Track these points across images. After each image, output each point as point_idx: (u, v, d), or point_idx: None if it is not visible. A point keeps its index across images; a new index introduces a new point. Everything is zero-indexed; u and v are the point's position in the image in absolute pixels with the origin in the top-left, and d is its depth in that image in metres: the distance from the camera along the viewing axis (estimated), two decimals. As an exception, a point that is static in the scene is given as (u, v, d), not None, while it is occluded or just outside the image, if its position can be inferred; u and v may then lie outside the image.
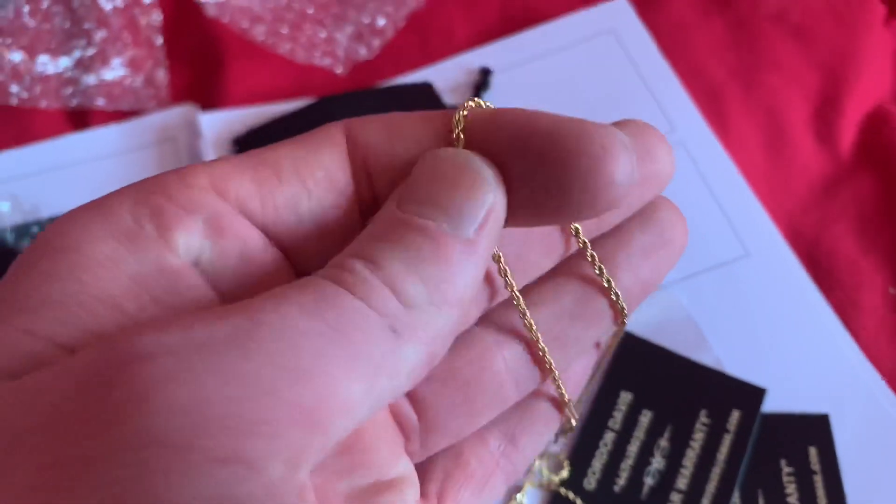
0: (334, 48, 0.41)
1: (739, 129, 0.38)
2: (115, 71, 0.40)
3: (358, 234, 0.14)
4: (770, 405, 0.31)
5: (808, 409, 0.31)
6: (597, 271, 0.17)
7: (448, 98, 0.39)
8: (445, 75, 0.39)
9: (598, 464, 0.29)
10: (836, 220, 0.36)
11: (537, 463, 0.29)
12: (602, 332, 0.18)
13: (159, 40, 0.41)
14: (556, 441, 0.20)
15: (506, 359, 0.17)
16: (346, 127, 0.15)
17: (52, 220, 0.30)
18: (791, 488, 0.29)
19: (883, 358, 0.32)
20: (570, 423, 0.20)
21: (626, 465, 0.29)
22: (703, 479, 0.29)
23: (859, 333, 0.33)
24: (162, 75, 0.40)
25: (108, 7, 0.41)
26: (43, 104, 0.39)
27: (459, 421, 0.17)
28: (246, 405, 0.11)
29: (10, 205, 0.36)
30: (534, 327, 0.17)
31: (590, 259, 0.17)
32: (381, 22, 0.41)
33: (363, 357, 0.12)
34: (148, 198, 0.14)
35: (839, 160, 0.37)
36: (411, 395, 0.17)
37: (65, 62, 0.40)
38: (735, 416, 0.30)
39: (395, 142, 0.15)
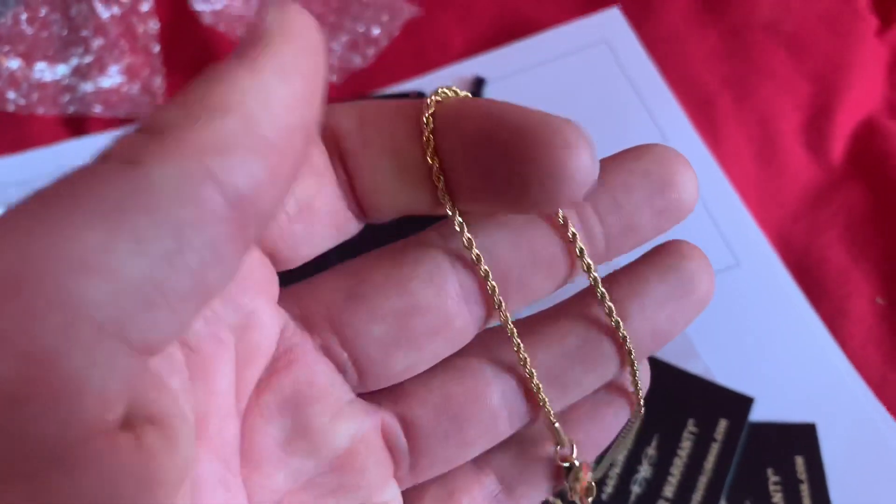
0: (329, 57, 0.41)
1: (730, 138, 0.39)
2: (112, 78, 0.40)
3: (343, 212, 0.15)
4: (757, 414, 0.31)
5: (796, 419, 0.31)
6: (607, 311, 0.17)
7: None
8: (439, 84, 0.39)
9: (586, 471, 0.30)
10: (825, 230, 0.36)
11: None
12: (605, 377, 0.17)
13: (156, 48, 0.41)
14: (554, 494, 0.19)
15: (502, 391, 0.17)
16: None
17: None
18: (778, 497, 0.29)
19: (870, 367, 0.32)
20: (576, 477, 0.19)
21: (614, 472, 0.30)
22: (690, 488, 0.29)
23: (847, 343, 0.33)
24: (159, 83, 0.41)
25: (105, 15, 0.41)
26: (40, 111, 0.40)
27: (450, 450, 0.17)
28: None
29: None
30: (528, 364, 0.17)
31: (600, 298, 0.17)
32: (375, 31, 0.42)
33: (96, 199, 0.11)
34: None
35: (830, 170, 0.38)
36: (403, 421, 0.17)
37: (62, 69, 0.41)
38: (722, 424, 0.30)
39: (367, 128, 0.15)
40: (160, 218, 0.11)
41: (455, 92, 0.15)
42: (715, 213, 0.36)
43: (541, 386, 0.17)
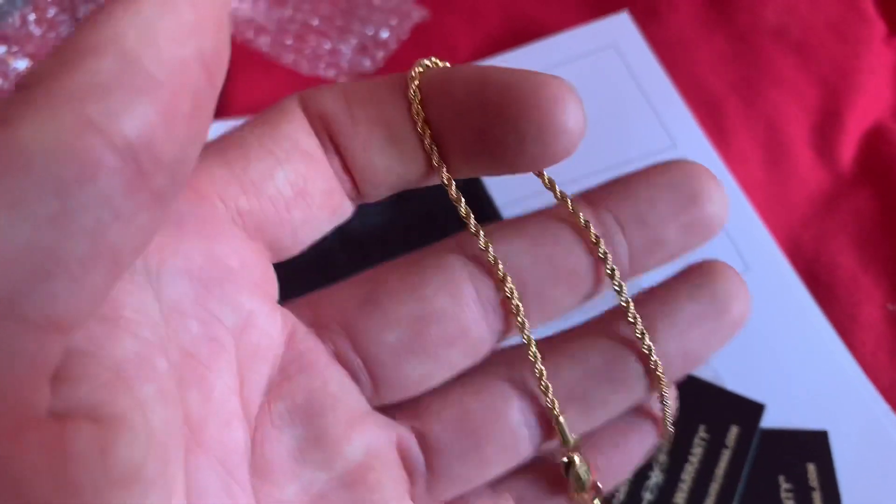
0: (338, 60, 0.41)
1: (739, 143, 0.39)
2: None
3: (338, 194, 0.15)
4: (769, 421, 0.31)
5: (807, 426, 0.31)
6: (637, 334, 0.16)
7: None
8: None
9: (596, 478, 0.30)
10: (835, 236, 0.36)
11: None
12: (633, 399, 0.17)
13: (164, 50, 0.41)
14: None
15: (522, 409, 0.17)
16: (301, 98, 0.15)
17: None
18: (789, 504, 0.29)
19: (881, 374, 0.32)
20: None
21: (625, 479, 0.30)
22: (701, 495, 0.29)
23: (858, 349, 0.33)
24: (166, 85, 0.40)
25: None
26: (47, 112, 0.40)
27: (469, 469, 0.16)
28: None
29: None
30: (544, 376, 0.16)
31: (631, 319, 0.16)
32: (384, 34, 0.42)
33: None
34: None
35: (839, 175, 0.38)
36: (420, 437, 0.16)
37: (69, 71, 0.40)
38: (733, 431, 0.30)
39: (354, 107, 0.15)
40: (38, 178, 0.10)
41: (436, 63, 0.15)
42: (725, 219, 0.36)
43: (555, 402, 0.16)
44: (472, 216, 0.16)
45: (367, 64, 0.41)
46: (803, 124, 0.39)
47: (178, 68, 0.11)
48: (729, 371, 0.32)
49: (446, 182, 0.15)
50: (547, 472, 0.18)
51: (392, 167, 0.15)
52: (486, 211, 0.35)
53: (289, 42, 0.41)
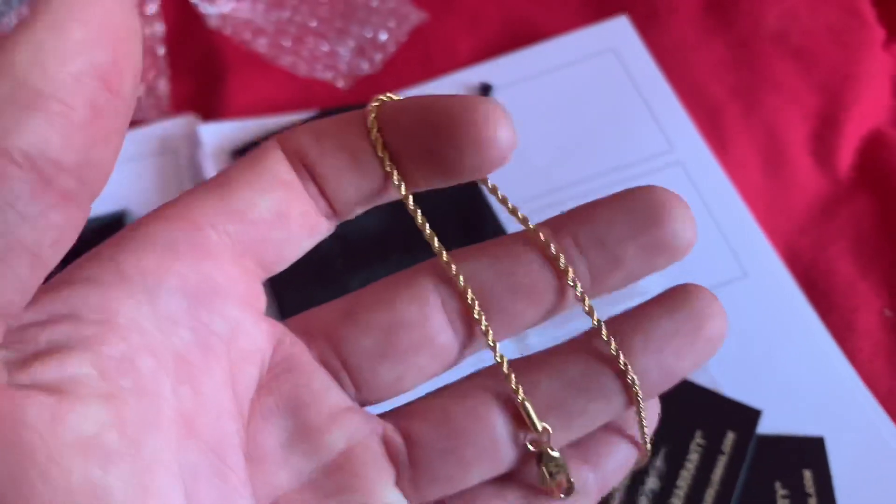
0: (336, 62, 0.41)
1: (738, 148, 0.38)
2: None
3: (314, 215, 0.17)
4: (765, 427, 0.31)
5: (804, 432, 0.31)
6: (611, 348, 0.17)
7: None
8: (446, 90, 0.39)
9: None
10: (833, 242, 0.36)
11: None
12: (611, 410, 0.18)
13: (161, 51, 0.41)
14: None
15: (502, 417, 0.18)
16: (278, 139, 0.17)
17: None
18: (785, 511, 0.29)
19: (878, 381, 0.32)
20: None
21: (621, 484, 0.29)
22: (697, 501, 0.29)
23: (855, 356, 0.33)
24: (163, 85, 0.40)
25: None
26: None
27: (449, 467, 0.18)
28: None
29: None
30: (512, 376, 0.18)
31: (595, 325, 0.17)
32: (383, 37, 0.41)
33: None
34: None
35: (837, 182, 0.38)
36: (404, 433, 0.18)
37: (67, 71, 0.40)
38: (730, 437, 0.30)
39: (323, 140, 0.17)
40: None
41: (391, 97, 0.18)
42: (723, 224, 0.36)
43: (529, 406, 0.17)
44: (436, 238, 0.18)
45: (364, 66, 0.41)
46: (802, 130, 0.39)
47: (69, 82, 0.13)
48: (726, 377, 0.32)
49: (404, 197, 0.17)
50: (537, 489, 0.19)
51: (359, 187, 0.17)
52: (485, 218, 0.35)
53: (287, 44, 0.41)
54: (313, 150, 0.17)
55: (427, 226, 0.18)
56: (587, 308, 0.18)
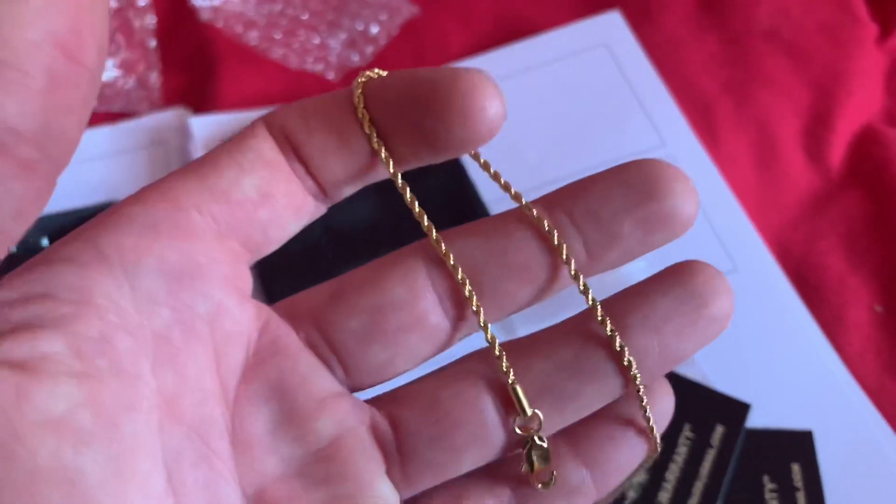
0: (327, 55, 0.41)
1: (730, 144, 0.38)
2: (107, 72, 0.40)
3: (300, 195, 0.17)
4: (754, 421, 0.31)
5: (792, 426, 0.31)
6: (605, 327, 0.17)
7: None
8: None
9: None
10: (824, 237, 0.36)
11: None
12: (606, 393, 0.17)
13: (153, 43, 0.41)
14: None
15: (493, 401, 0.17)
16: (264, 119, 0.17)
17: (41, 220, 0.30)
18: (773, 504, 0.29)
19: (867, 375, 0.32)
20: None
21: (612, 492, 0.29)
22: (685, 494, 0.29)
23: (845, 350, 0.33)
24: (154, 78, 0.40)
25: (102, 9, 0.41)
26: (34, 104, 0.39)
27: (438, 454, 0.17)
28: None
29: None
30: (504, 357, 0.17)
31: (589, 302, 0.17)
32: (374, 30, 0.41)
33: None
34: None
35: (829, 177, 0.38)
36: (392, 420, 0.17)
37: (57, 63, 0.40)
38: (719, 430, 0.30)
39: (310, 118, 0.17)
40: None
41: (378, 73, 0.17)
42: (713, 219, 0.36)
43: (518, 390, 0.17)
44: (426, 216, 0.17)
45: (355, 59, 0.41)
46: (794, 126, 0.39)
47: (26, 49, 0.13)
48: (715, 370, 0.32)
49: (392, 175, 0.17)
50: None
51: (347, 165, 0.17)
52: (473, 206, 0.35)
53: (278, 36, 0.41)
54: (299, 128, 0.17)
55: (416, 204, 0.17)
56: (581, 286, 0.17)
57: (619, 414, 0.18)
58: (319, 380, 0.17)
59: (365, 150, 0.17)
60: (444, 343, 0.18)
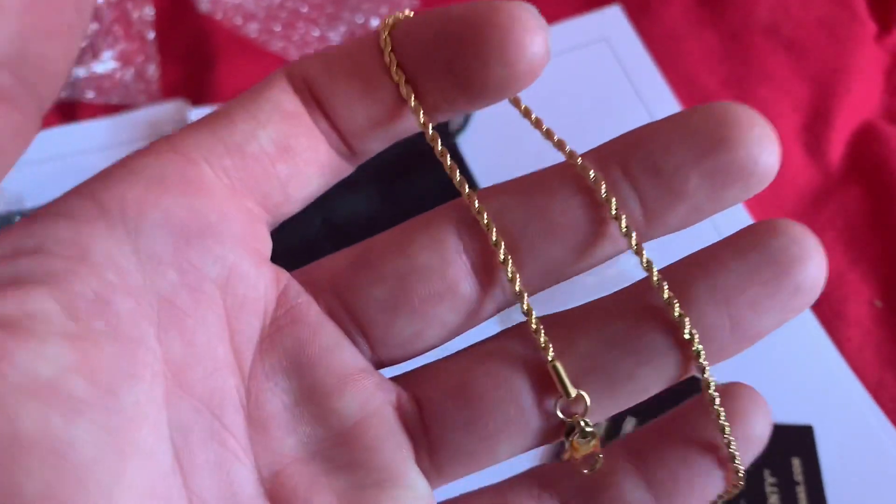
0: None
1: (730, 139, 0.38)
2: (105, 64, 0.40)
3: (324, 150, 0.15)
4: (754, 415, 0.31)
5: (793, 420, 0.31)
6: (665, 299, 0.14)
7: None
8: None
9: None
10: (823, 232, 0.36)
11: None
12: (665, 376, 0.15)
13: (151, 35, 0.41)
14: None
15: (531, 383, 0.15)
16: (285, 69, 0.16)
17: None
18: (774, 499, 0.29)
19: (867, 370, 0.32)
20: None
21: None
22: (685, 488, 0.29)
23: (844, 345, 0.33)
24: (153, 70, 0.40)
25: (100, 0, 0.41)
26: (31, 95, 0.39)
27: (470, 441, 0.15)
28: None
29: (-6, 195, 0.36)
30: (542, 333, 0.15)
31: (644, 266, 0.14)
32: (374, 23, 0.41)
33: None
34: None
35: (828, 173, 0.38)
36: (419, 404, 0.16)
37: (55, 54, 0.40)
38: (719, 425, 0.30)
39: (332, 65, 0.15)
40: None
41: (407, 14, 0.16)
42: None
43: (542, 333, 0.15)
44: (458, 170, 0.16)
45: (356, 52, 0.41)
46: (793, 122, 0.39)
47: None
48: (715, 365, 0.32)
49: (422, 126, 0.15)
50: (597, 479, 0.16)
51: (373, 115, 0.15)
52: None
53: (277, 29, 0.41)
54: (322, 77, 0.15)
55: (448, 157, 0.15)
56: (634, 247, 0.14)
57: (701, 436, 0.15)
58: (342, 353, 0.15)
59: (393, 98, 0.15)
60: (476, 314, 0.16)
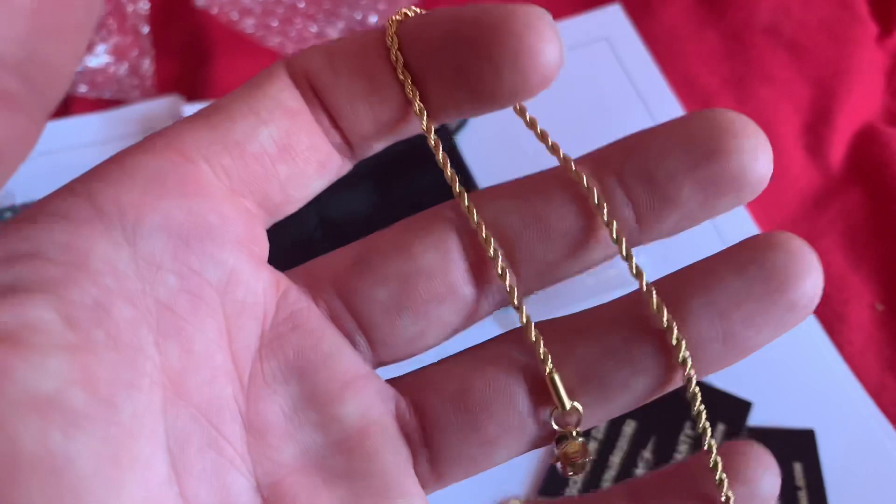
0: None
1: (730, 140, 0.38)
2: (98, 58, 0.39)
3: (324, 148, 0.15)
4: (755, 419, 0.30)
5: (794, 424, 0.30)
6: (654, 308, 0.14)
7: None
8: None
9: (580, 473, 0.29)
10: (824, 235, 0.36)
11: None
12: (657, 386, 0.15)
13: (146, 29, 0.40)
14: None
15: (529, 388, 0.15)
16: (286, 62, 0.15)
17: (26, 206, 0.29)
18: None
19: (869, 374, 0.32)
20: None
21: (609, 475, 0.29)
22: (686, 492, 0.29)
23: (846, 349, 0.32)
24: (147, 65, 0.39)
25: (94, -7, 0.40)
26: (23, 89, 0.38)
27: (469, 447, 0.15)
28: None
29: (-16, 190, 0.35)
30: (541, 343, 0.15)
31: (645, 293, 0.14)
32: (373, 19, 0.41)
33: None
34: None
35: (829, 175, 0.37)
36: (419, 410, 0.16)
37: (47, 47, 0.39)
38: (720, 429, 0.30)
39: (336, 60, 0.15)
40: None
41: (415, 11, 0.15)
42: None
43: (542, 344, 0.15)
44: (458, 177, 0.16)
45: (354, 49, 0.40)
46: (794, 123, 0.39)
47: None
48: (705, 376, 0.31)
49: (426, 130, 0.15)
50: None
51: (377, 116, 0.15)
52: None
53: (274, 24, 0.41)
54: (325, 73, 0.15)
55: (449, 165, 0.15)
56: (624, 254, 0.15)
57: (702, 491, 0.15)
58: (344, 359, 0.15)
59: (397, 98, 0.15)
60: (474, 315, 0.16)
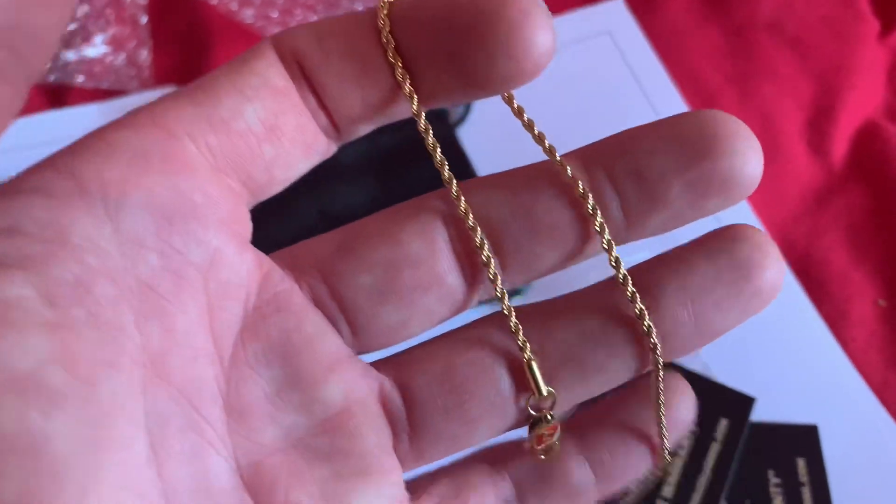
0: None
1: (732, 136, 0.38)
2: (96, 48, 0.39)
3: (311, 130, 0.15)
4: (759, 415, 0.30)
5: (797, 420, 0.30)
6: (629, 294, 0.15)
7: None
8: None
9: (582, 469, 0.29)
10: (827, 231, 0.36)
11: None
12: (631, 368, 0.16)
13: (144, 19, 0.40)
14: None
15: (510, 369, 0.16)
16: (273, 39, 0.15)
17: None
18: (778, 499, 0.29)
19: (872, 369, 0.32)
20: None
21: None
22: (689, 488, 0.29)
23: (849, 345, 0.32)
24: (145, 55, 0.39)
25: (91, -18, 0.40)
26: (19, 79, 0.38)
27: (452, 426, 0.16)
28: None
29: (-20, 180, 0.35)
30: (520, 331, 0.16)
31: (621, 280, 0.15)
32: (374, 11, 0.40)
33: None
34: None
35: (831, 171, 0.37)
36: (403, 389, 0.16)
37: (44, 37, 0.39)
38: (723, 424, 0.30)
39: (326, 40, 0.15)
40: None
41: None
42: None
43: (521, 328, 0.16)
44: (447, 165, 0.16)
45: (355, 41, 0.40)
46: (797, 119, 0.39)
47: None
48: (719, 363, 0.31)
49: (415, 114, 0.15)
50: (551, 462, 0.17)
51: (365, 98, 0.15)
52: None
53: (274, 15, 0.40)
54: (314, 52, 0.14)
55: (438, 151, 0.15)
56: (605, 243, 0.15)
57: (636, 420, 0.17)
58: (326, 342, 0.15)
59: (387, 81, 0.14)
60: (460, 305, 0.16)
